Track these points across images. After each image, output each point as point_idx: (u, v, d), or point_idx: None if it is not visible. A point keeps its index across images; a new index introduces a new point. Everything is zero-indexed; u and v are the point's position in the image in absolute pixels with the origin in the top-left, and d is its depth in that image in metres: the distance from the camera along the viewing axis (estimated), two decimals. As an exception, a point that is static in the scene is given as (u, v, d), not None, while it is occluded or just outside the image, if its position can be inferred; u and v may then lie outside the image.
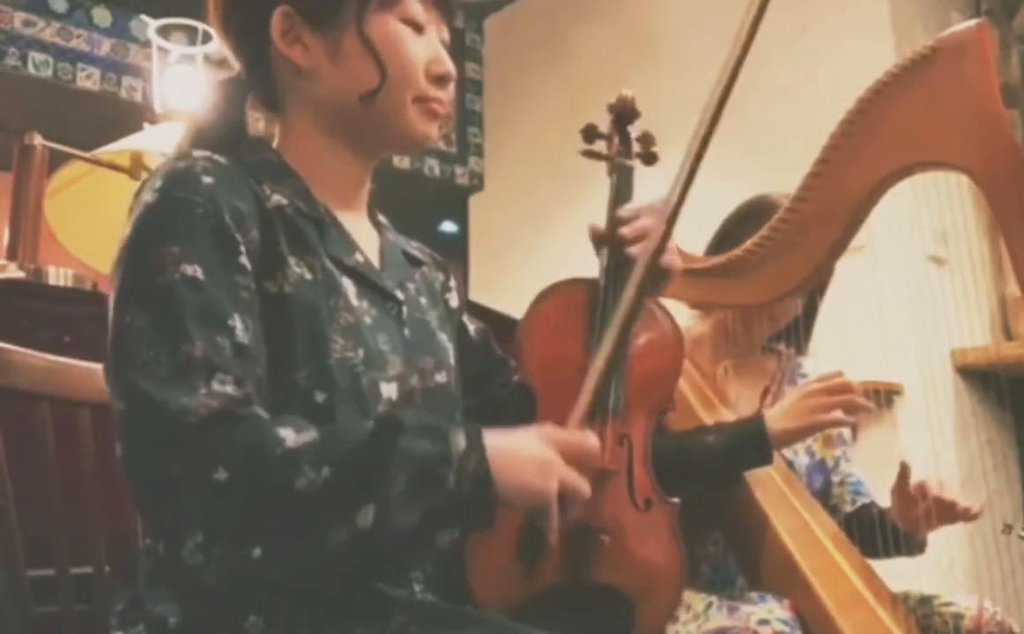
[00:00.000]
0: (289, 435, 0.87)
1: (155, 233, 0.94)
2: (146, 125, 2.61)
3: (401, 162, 4.63)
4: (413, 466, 0.87)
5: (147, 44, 3.34)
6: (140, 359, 0.88)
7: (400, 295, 1.10)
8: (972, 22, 1.27)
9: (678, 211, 1.07)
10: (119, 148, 2.47)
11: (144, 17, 3.52)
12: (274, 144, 1.10)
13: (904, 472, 1.64)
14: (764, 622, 1.39)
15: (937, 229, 3.11)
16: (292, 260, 0.99)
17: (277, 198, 1.01)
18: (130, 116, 3.06)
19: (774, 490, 1.60)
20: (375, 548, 0.87)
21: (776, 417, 1.55)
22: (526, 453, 0.93)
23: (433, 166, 4.81)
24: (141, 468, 0.88)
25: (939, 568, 2.87)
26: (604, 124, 1.45)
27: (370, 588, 0.96)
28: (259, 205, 0.99)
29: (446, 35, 1.12)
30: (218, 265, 0.93)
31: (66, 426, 1.23)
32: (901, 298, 3.14)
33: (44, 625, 1.16)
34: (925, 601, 1.62)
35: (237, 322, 0.92)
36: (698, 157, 1.08)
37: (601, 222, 1.32)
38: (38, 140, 2.21)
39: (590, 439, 0.96)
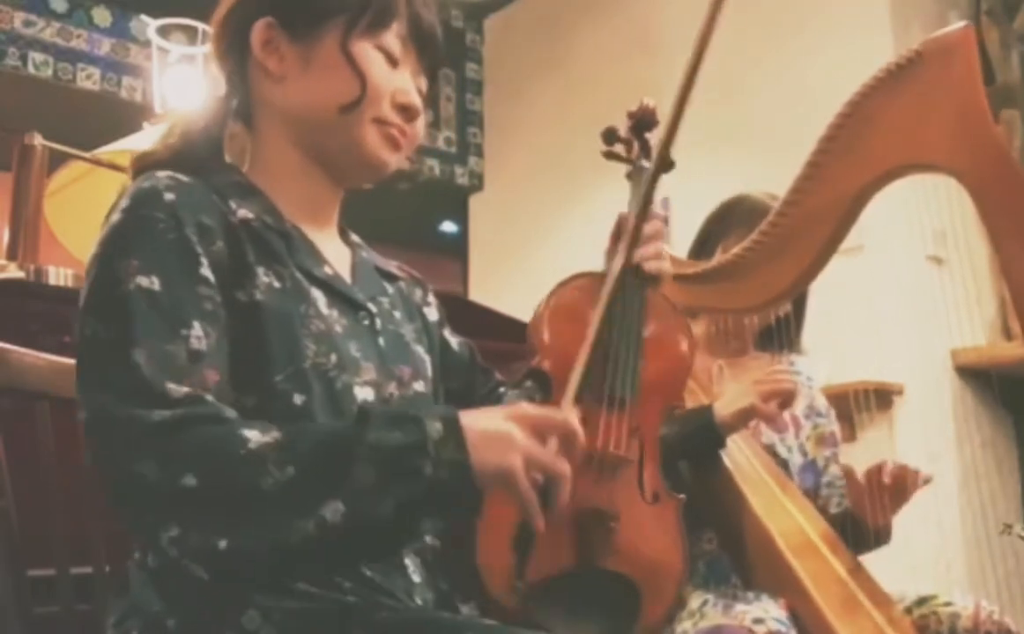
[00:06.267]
0: (254, 435, 0.88)
1: (116, 248, 0.97)
2: (146, 125, 2.62)
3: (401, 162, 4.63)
4: (384, 456, 0.88)
5: (147, 44, 3.34)
6: (98, 371, 0.92)
7: (372, 308, 1.11)
8: (959, 25, 1.28)
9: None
10: (119, 148, 2.48)
11: (144, 17, 3.53)
12: (245, 166, 1.13)
13: (850, 473, 1.67)
14: (759, 621, 1.39)
15: (936, 229, 3.12)
16: (261, 270, 1.01)
17: (243, 212, 1.04)
18: (130, 116, 3.07)
19: (767, 492, 1.60)
20: (348, 540, 0.88)
21: (724, 404, 1.58)
22: (489, 429, 0.90)
23: (433, 166, 4.82)
24: (111, 474, 0.91)
25: (937, 568, 2.87)
26: (621, 127, 1.49)
27: (364, 588, 0.97)
28: (224, 219, 1.01)
29: (424, 87, 1.14)
30: (177, 275, 0.95)
31: (66, 426, 1.22)
32: (900, 298, 3.14)
33: (44, 625, 1.17)
34: (923, 601, 1.62)
35: (195, 330, 0.94)
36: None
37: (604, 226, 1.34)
38: (38, 140, 2.21)
39: (567, 417, 0.94)
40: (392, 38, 1.09)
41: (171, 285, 0.94)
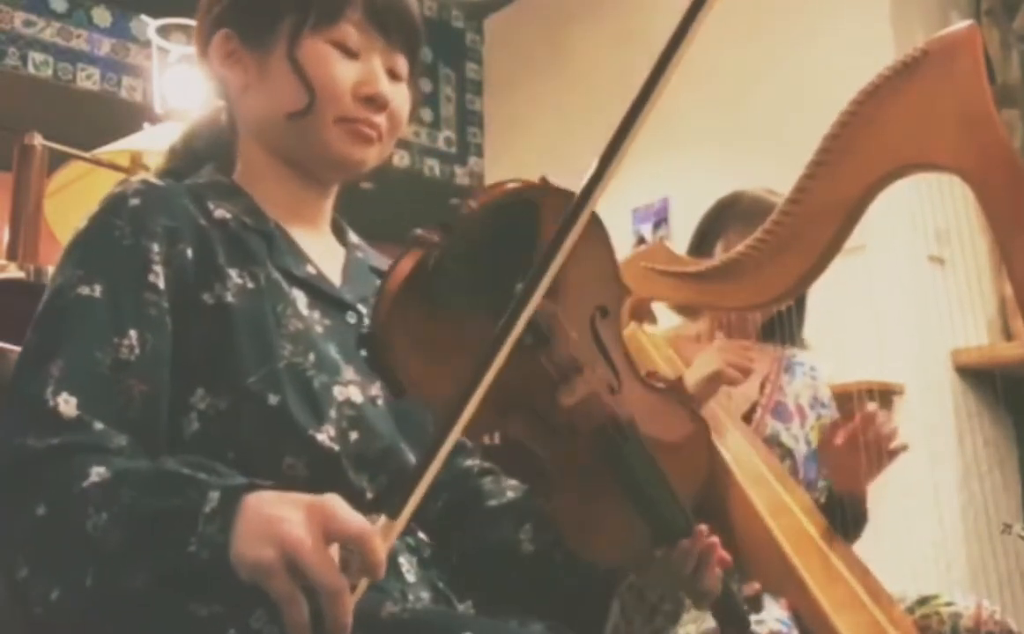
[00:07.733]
0: (98, 473, 0.83)
1: (70, 258, 0.97)
2: (146, 125, 2.61)
3: (401, 162, 4.63)
4: (139, 521, 0.80)
5: (147, 44, 3.34)
6: (11, 383, 0.91)
7: (362, 308, 1.09)
8: (963, 24, 1.28)
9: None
10: (119, 148, 2.47)
11: (144, 17, 3.52)
12: (235, 170, 1.12)
13: (833, 428, 1.66)
14: (761, 621, 1.39)
15: (937, 229, 3.12)
16: (233, 272, 1.00)
17: (221, 213, 1.03)
18: (130, 116, 3.07)
19: (769, 490, 1.61)
20: (107, 608, 0.81)
21: (690, 372, 1.62)
22: (269, 513, 0.77)
23: (433, 166, 4.81)
24: None
25: (938, 567, 2.87)
26: None
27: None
28: (194, 221, 1.01)
29: (402, 66, 1.10)
30: (123, 282, 0.95)
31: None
32: (901, 298, 3.14)
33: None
34: (924, 601, 1.62)
35: (129, 339, 0.93)
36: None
37: None
38: (38, 140, 2.20)
39: (370, 537, 0.75)
40: (347, 28, 1.05)
41: (114, 291, 0.94)
